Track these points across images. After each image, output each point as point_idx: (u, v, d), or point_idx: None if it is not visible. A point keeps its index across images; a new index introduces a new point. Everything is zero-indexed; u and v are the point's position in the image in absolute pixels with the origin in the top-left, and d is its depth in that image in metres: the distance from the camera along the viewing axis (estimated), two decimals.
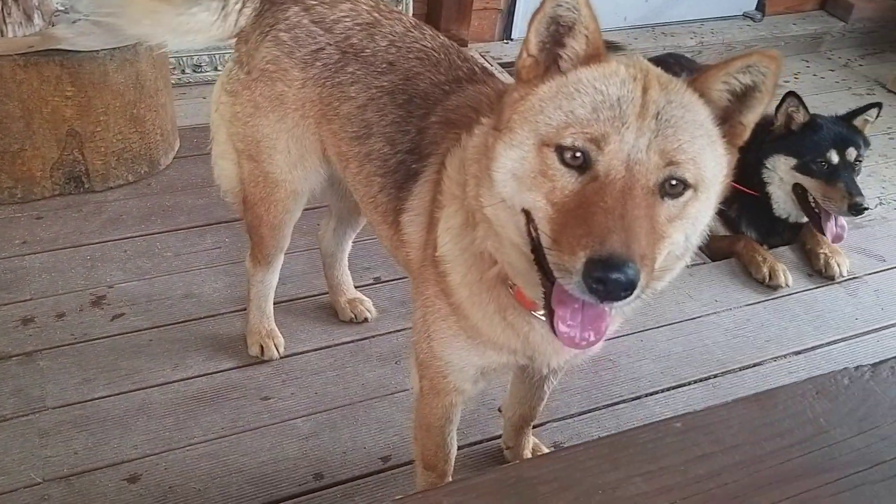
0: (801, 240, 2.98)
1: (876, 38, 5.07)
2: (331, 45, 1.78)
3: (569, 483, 1.05)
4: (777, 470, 1.12)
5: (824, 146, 2.73)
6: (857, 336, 2.65)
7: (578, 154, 1.16)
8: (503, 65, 4.05)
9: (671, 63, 3.44)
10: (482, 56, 4.04)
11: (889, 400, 1.24)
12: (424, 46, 1.76)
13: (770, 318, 2.69)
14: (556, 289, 1.21)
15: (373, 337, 2.41)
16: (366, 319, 2.44)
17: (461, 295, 1.49)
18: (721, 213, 3.00)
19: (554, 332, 1.24)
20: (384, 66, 1.74)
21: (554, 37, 1.25)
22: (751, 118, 1.27)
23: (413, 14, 3.75)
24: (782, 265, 2.78)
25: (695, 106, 1.22)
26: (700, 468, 1.10)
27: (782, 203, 2.87)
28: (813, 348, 2.58)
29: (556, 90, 1.22)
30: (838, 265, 2.82)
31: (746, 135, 1.29)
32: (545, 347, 1.51)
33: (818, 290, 2.82)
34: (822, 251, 2.86)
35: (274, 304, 2.43)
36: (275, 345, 2.29)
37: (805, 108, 2.79)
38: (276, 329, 2.33)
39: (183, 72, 3.51)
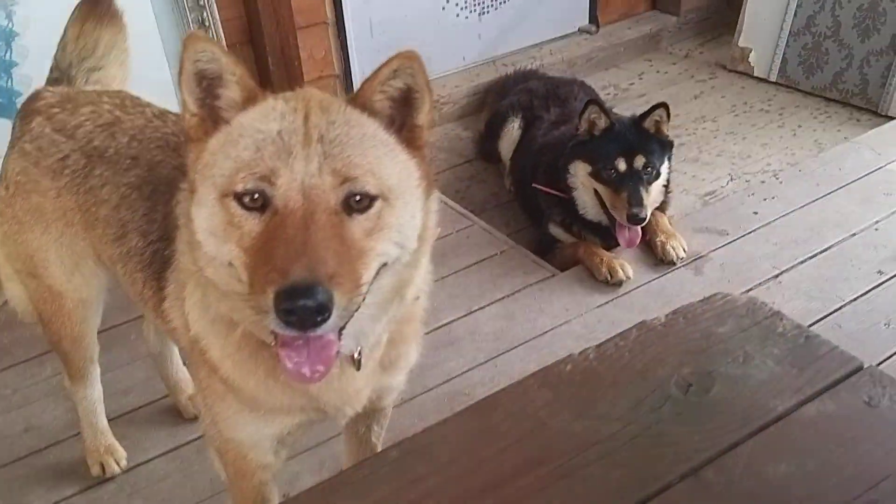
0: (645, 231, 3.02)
1: (710, 25, 5.25)
2: (75, 151, 1.78)
3: None
4: (491, 476, 1.10)
5: (613, 154, 2.80)
6: None
7: (256, 196, 1.17)
8: None
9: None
10: None
11: (611, 377, 1.23)
12: (165, 133, 1.76)
13: (620, 314, 2.70)
14: (277, 337, 1.22)
15: None
16: None
17: (227, 368, 1.46)
18: (561, 223, 3.05)
19: (288, 375, 1.23)
20: (128, 161, 1.73)
21: (207, 91, 1.26)
22: (422, 118, 1.30)
23: None
24: (620, 261, 2.81)
25: (359, 121, 1.24)
26: (412, 492, 1.08)
27: (589, 208, 2.93)
28: None
29: (223, 140, 1.24)
30: (673, 248, 2.86)
31: (426, 134, 1.32)
32: (329, 397, 1.48)
33: (664, 276, 2.85)
34: (658, 238, 2.91)
35: (116, 416, 2.39)
36: (114, 460, 2.22)
37: (606, 113, 2.86)
38: (116, 443, 2.26)
39: None
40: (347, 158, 1.19)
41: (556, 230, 3.13)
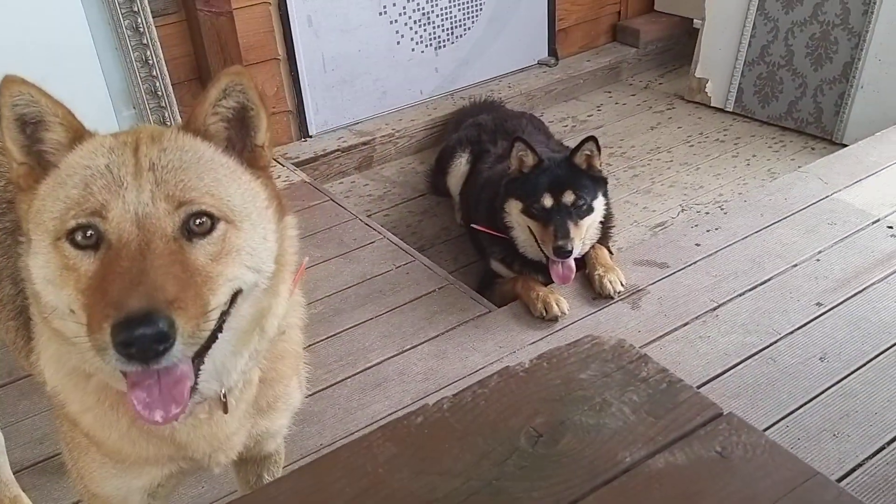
0: (585, 266, 2.98)
1: (670, 57, 5.26)
2: None
3: None
4: None
5: (541, 190, 2.77)
6: (640, 348, 2.61)
7: (89, 233, 1.13)
8: (299, 163, 4.07)
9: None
10: (278, 160, 4.05)
11: (461, 429, 1.18)
12: None
13: None
14: (127, 377, 1.16)
15: None
16: None
17: (87, 422, 1.41)
18: (502, 260, 3.01)
19: (140, 418, 1.17)
20: (4, 205, 1.69)
21: (31, 136, 1.22)
22: (261, 137, 1.28)
23: None
24: (556, 296, 2.76)
25: (193, 146, 1.21)
26: None
27: (527, 246, 2.90)
28: None
29: (52, 184, 1.20)
30: (611, 283, 2.81)
31: (268, 154, 1.30)
32: (198, 444, 1.41)
33: (601, 311, 2.80)
34: (596, 272, 2.86)
35: (30, 465, 2.34)
36: None
37: (533, 151, 2.83)
38: (21, 495, 2.19)
39: None
40: (182, 182, 1.16)
41: (497, 266, 3.09)
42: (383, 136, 4.36)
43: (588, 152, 2.80)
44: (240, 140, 1.26)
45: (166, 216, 1.13)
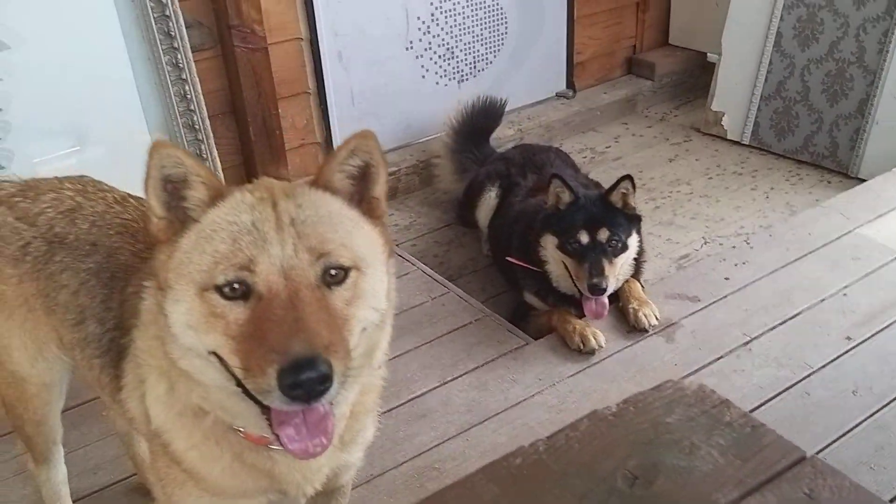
0: (618, 299, 3.05)
1: (684, 89, 5.37)
2: (37, 238, 1.80)
3: None
4: None
5: (576, 227, 2.85)
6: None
7: (237, 286, 1.23)
8: None
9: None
10: None
11: (559, 470, 1.25)
12: (125, 219, 1.79)
13: (592, 384, 2.72)
14: (272, 413, 1.26)
15: None
16: None
17: (192, 459, 1.48)
18: (536, 293, 3.08)
19: (291, 453, 1.28)
20: (88, 247, 1.76)
21: (173, 194, 1.31)
22: (379, 190, 1.40)
23: (224, 166, 3.82)
24: (592, 329, 2.84)
25: (324, 200, 1.32)
26: None
27: (561, 280, 2.97)
28: None
29: (195, 238, 1.29)
30: (646, 316, 2.89)
31: (383, 205, 1.42)
32: (293, 476, 1.50)
33: (637, 344, 2.87)
34: (630, 306, 2.93)
35: (85, 495, 2.39)
36: None
37: (570, 188, 2.90)
38: None
39: None
40: (320, 235, 1.27)
41: (531, 299, 3.16)
42: (408, 166, 4.45)
43: (624, 191, 2.88)
44: (359, 193, 1.37)
45: (309, 267, 1.24)
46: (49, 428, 2.02)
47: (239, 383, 1.26)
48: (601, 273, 2.78)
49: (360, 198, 1.37)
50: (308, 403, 1.18)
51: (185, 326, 1.27)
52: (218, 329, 1.23)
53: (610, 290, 2.82)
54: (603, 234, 2.83)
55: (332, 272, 1.26)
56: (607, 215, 2.86)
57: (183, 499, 1.55)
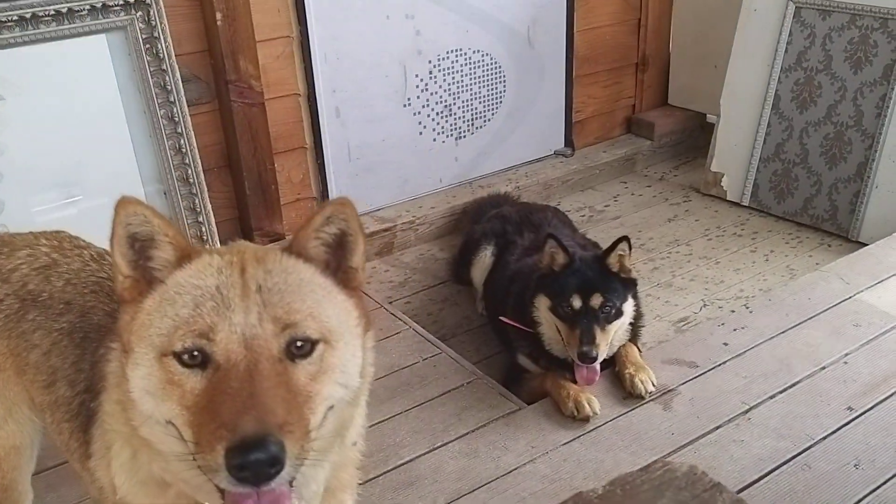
0: (614, 363, 2.98)
1: (684, 149, 5.37)
2: (9, 294, 1.75)
3: None
4: None
5: (570, 291, 2.78)
6: (675, 451, 2.61)
7: (195, 353, 1.17)
8: None
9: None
10: None
11: None
12: (101, 278, 1.75)
13: (587, 452, 2.63)
14: (225, 494, 1.18)
15: None
16: None
17: None
18: (529, 354, 3.01)
19: None
20: (61, 306, 1.71)
21: (140, 252, 1.27)
22: (356, 260, 1.34)
23: (218, 220, 3.79)
24: (587, 395, 2.76)
25: (296, 268, 1.27)
26: None
27: (552, 342, 2.90)
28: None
29: (159, 300, 1.24)
30: (642, 382, 2.81)
31: (361, 276, 1.36)
32: None
33: (632, 411, 2.79)
34: (627, 371, 2.86)
35: None
36: None
37: (565, 249, 2.85)
38: None
39: None
40: (287, 305, 1.21)
41: (524, 361, 3.09)
42: (404, 222, 4.42)
43: (621, 252, 2.83)
44: (335, 262, 1.32)
45: (273, 338, 1.18)
46: (18, 494, 1.94)
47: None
48: (591, 341, 2.70)
49: (337, 266, 1.32)
50: (258, 486, 1.11)
51: (144, 392, 1.22)
52: (174, 397, 1.18)
53: (601, 359, 2.74)
54: (596, 300, 2.77)
55: (298, 344, 1.20)
56: (602, 280, 2.80)
57: None
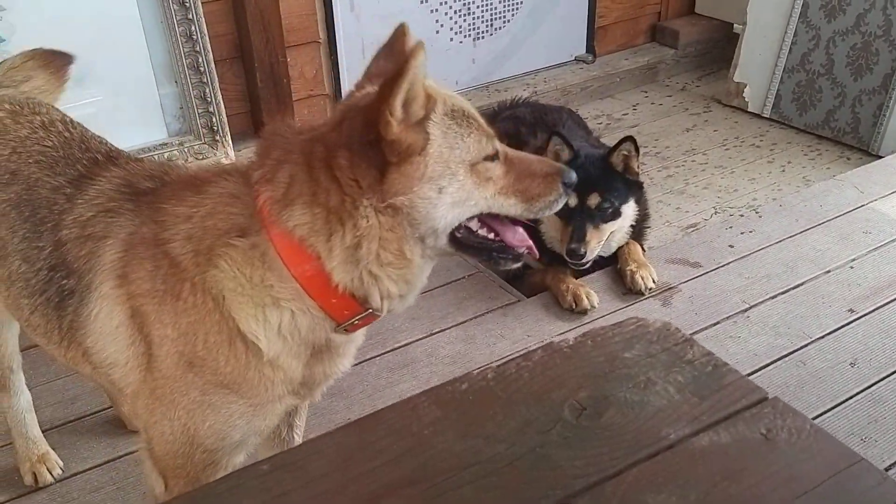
0: (616, 261, 2.97)
1: (708, 59, 5.23)
2: None
3: None
4: (362, 493, 1.05)
5: None
6: None
7: (496, 151, 1.45)
8: None
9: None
10: None
11: (505, 397, 1.19)
12: (45, 147, 1.68)
13: None
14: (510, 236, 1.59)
15: None
16: None
17: (287, 364, 1.47)
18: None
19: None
20: (7, 176, 1.66)
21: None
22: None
23: (229, 113, 3.77)
24: (586, 289, 2.76)
25: None
26: None
27: (553, 240, 2.88)
28: None
29: (444, 131, 1.38)
30: (642, 279, 2.81)
31: None
32: (334, 365, 1.57)
33: (630, 307, 2.80)
34: (628, 268, 2.86)
35: (60, 424, 2.37)
36: (47, 469, 2.19)
37: (569, 145, 2.81)
38: (50, 452, 2.22)
39: None
40: None
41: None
42: None
43: (626, 153, 2.77)
44: None
45: None
46: (5, 355, 1.98)
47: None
48: (581, 238, 2.68)
49: None
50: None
51: (450, 206, 1.38)
52: (488, 189, 1.43)
53: (589, 257, 2.72)
54: (593, 199, 2.73)
55: None
56: (603, 178, 2.76)
57: (224, 419, 1.49)
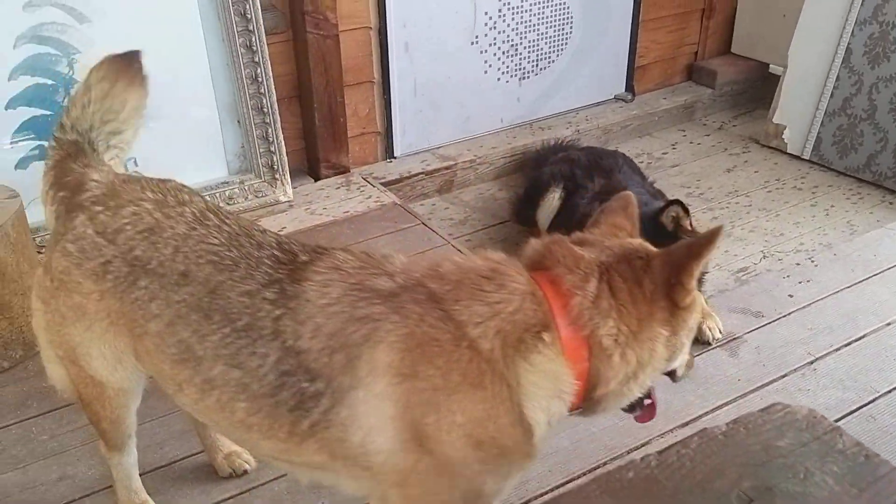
0: None
1: (745, 99, 5.33)
2: (117, 257, 1.70)
3: None
4: None
5: None
6: (741, 397, 2.69)
7: None
8: (385, 183, 4.17)
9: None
10: (366, 179, 4.14)
11: (672, 487, 1.25)
12: (212, 245, 1.66)
13: (658, 394, 2.70)
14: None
15: (253, 488, 2.36)
16: (245, 472, 2.39)
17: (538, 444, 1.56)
18: None
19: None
20: (176, 277, 1.64)
21: None
22: None
23: (288, 150, 3.85)
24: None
25: None
26: None
27: None
28: (699, 417, 2.59)
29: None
30: (710, 329, 2.87)
31: None
32: None
33: (699, 356, 2.84)
34: None
35: (151, 470, 2.41)
36: None
37: (686, 212, 2.85)
38: (149, 500, 2.27)
39: None
40: None
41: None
42: (465, 161, 4.46)
43: (674, 214, 2.82)
44: None
45: None
46: (125, 425, 2.03)
47: None
48: None
49: None
50: None
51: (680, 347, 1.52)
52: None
53: None
54: None
55: None
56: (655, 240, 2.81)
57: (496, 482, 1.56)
